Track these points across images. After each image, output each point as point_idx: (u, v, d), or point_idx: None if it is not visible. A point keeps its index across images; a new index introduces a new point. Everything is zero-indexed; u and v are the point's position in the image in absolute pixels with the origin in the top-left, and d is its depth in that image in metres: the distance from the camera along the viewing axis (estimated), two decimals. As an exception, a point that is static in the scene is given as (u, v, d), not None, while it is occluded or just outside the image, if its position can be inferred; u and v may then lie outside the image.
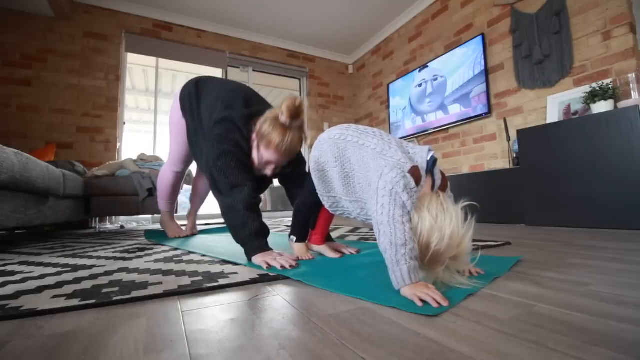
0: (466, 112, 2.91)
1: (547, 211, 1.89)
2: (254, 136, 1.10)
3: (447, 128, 3.13)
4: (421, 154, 0.75)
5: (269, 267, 0.85)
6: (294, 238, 1.06)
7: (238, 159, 1.06)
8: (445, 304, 0.54)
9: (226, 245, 1.33)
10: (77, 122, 3.07)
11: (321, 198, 0.92)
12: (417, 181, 0.70)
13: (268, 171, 1.13)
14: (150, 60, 3.63)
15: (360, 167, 0.80)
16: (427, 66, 3.32)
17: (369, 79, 4.36)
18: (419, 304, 0.55)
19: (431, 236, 0.63)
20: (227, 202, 0.99)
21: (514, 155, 2.35)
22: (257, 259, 0.89)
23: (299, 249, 1.04)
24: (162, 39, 3.51)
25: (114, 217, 3.17)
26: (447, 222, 0.63)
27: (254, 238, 0.95)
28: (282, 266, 0.84)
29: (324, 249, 1.08)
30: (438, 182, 0.77)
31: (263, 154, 1.08)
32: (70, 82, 3.07)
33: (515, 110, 2.55)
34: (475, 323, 0.47)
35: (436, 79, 3.22)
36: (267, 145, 1.05)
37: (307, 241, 1.10)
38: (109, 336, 0.46)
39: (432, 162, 0.75)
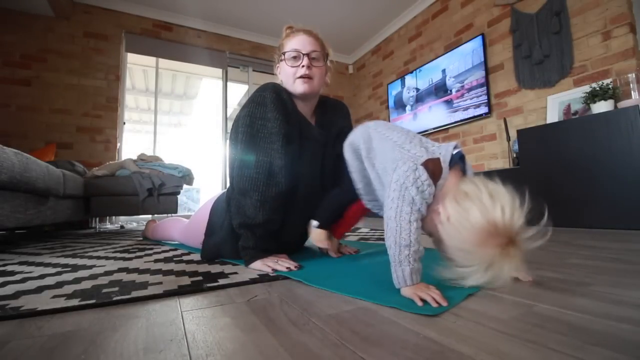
0: (466, 112, 2.91)
1: (547, 211, 1.89)
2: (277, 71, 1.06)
3: (447, 128, 3.13)
4: (446, 148, 0.72)
5: (275, 271, 0.83)
6: (316, 223, 0.96)
7: None
8: (444, 303, 0.54)
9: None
10: (77, 122, 3.07)
11: (353, 177, 0.89)
12: (436, 175, 0.67)
13: (301, 72, 0.97)
14: (150, 60, 3.63)
15: (382, 158, 0.79)
16: (427, 66, 3.32)
17: (369, 79, 4.36)
18: (419, 303, 0.55)
19: (490, 211, 0.58)
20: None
21: (514, 155, 2.35)
22: (258, 264, 0.88)
23: (318, 235, 0.96)
24: (162, 39, 3.51)
25: (114, 217, 3.18)
26: (500, 192, 0.60)
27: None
28: (287, 268, 0.83)
29: (332, 244, 1.05)
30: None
31: (283, 60, 1.00)
32: (70, 82, 3.07)
33: (515, 110, 2.55)
34: (475, 323, 0.47)
35: (436, 79, 3.22)
36: (284, 47, 1.00)
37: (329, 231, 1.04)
38: (109, 336, 0.46)
39: (460, 157, 0.71)
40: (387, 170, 0.73)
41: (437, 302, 0.54)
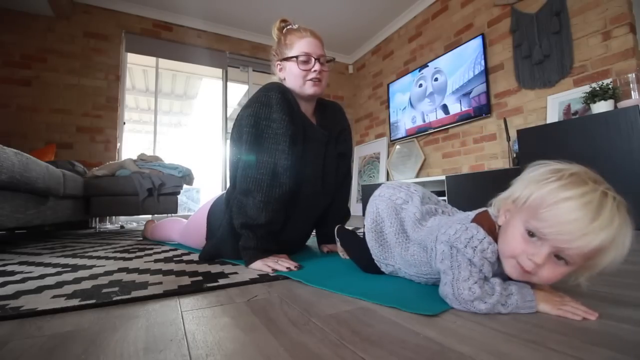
0: (466, 112, 2.91)
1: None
2: (279, 72, 1.05)
3: (447, 128, 3.13)
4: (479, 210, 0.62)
5: (275, 271, 0.83)
6: (339, 240, 1.02)
7: None
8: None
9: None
10: (77, 122, 3.07)
11: (378, 264, 0.77)
12: (492, 230, 0.56)
13: (312, 75, 0.98)
14: (150, 60, 3.63)
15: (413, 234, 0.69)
16: (427, 66, 3.32)
17: (369, 79, 4.36)
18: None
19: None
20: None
21: (514, 155, 2.35)
22: (258, 264, 0.88)
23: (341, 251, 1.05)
24: (162, 39, 3.51)
25: (114, 217, 3.17)
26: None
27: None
28: (287, 268, 0.83)
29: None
30: None
31: (292, 61, 0.98)
32: (70, 82, 3.07)
33: (515, 110, 2.55)
34: (475, 323, 0.47)
35: (436, 79, 3.22)
36: (290, 46, 0.99)
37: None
38: (109, 336, 0.46)
39: None
40: (426, 245, 0.64)
41: None
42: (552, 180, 0.47)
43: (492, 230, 0.56)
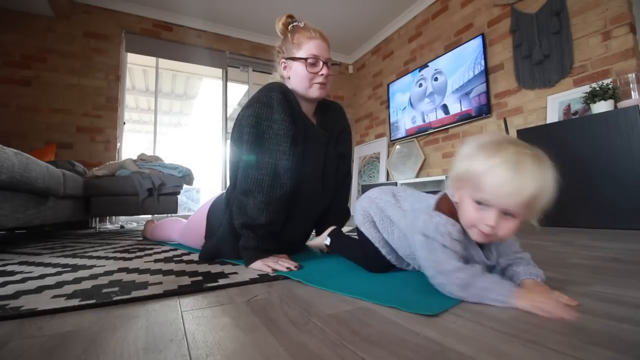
0: (466, 112, 2.91)
1: (548, 211, 1.89)
2: (284, 72, 1.03)
3: (447, 128, 3.13)
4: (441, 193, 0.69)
5: (275, 271, 0.83)
6: (329, 240, 1.02)
7: None
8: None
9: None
10: (77, 122, 3.07)
11: (381, 250, 0.81)
12: (453, 211, 0.62)
13: (319, 79, 0.98)
14: (150, 60, 3.63)
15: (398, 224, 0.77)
16: (427, 66, 3.32)
17: (369, 79, 4.36)
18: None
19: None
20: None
21: (514, 155, 2.35)
22: (258, 264, 0.88)
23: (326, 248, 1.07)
24: (162, 39, 3.51)
25: (114, 217, 3.17)
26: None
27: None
28: (287, 268, 0.83)
29: None
30: None
31: (299, 62, 0.96)
32: (70, 82, 3.07)
33: (515, 110, 2.55)
34: (475, 323, 0.47)
35: (436, 79, 3.22)
36: (298, 46, 0.97)
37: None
38: (109, 336, 0.46)
39: None
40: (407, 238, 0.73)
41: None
42: (479, 152, 0.56)
43: (452, 210, 0.63)
